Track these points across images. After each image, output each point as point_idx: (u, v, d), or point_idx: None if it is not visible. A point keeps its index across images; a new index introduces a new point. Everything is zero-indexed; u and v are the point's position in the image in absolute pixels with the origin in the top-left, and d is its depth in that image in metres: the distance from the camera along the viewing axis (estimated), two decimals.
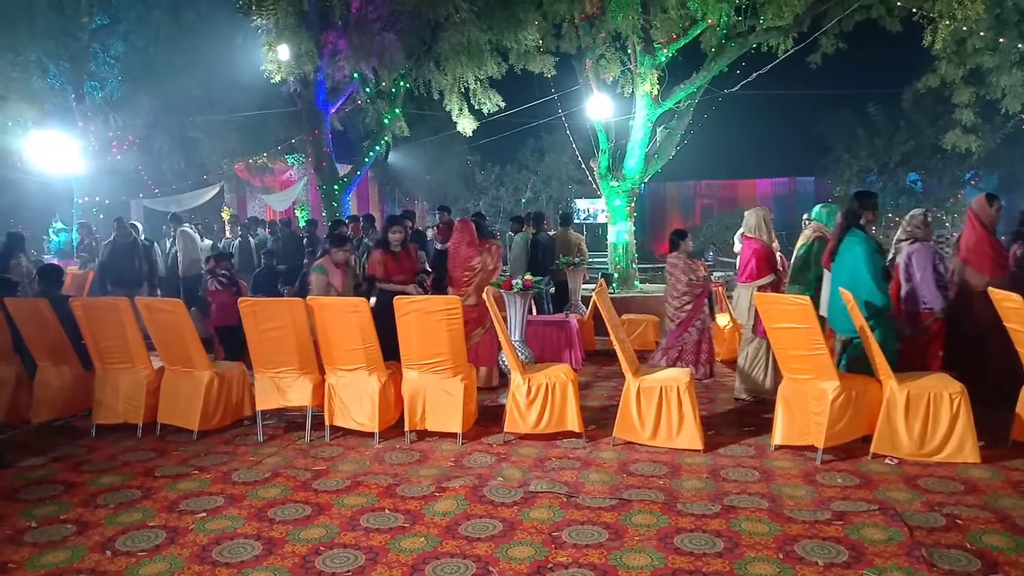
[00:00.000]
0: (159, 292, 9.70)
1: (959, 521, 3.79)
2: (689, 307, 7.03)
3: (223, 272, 7.65)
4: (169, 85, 14.61)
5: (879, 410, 4.79)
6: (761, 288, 6.17)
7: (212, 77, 14.41)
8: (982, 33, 12.34)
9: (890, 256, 6.15)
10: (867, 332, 4.87)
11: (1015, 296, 4.69)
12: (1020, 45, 12.53)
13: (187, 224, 10.74)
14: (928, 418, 4.66)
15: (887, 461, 4.69)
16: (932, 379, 4.87)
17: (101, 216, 15.21)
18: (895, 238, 6.14)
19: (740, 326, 7.01)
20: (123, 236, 9.46)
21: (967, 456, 4.59)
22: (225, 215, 15.79)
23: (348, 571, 3.43)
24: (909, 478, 4.42)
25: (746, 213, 6.65)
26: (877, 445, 4.75)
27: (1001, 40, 12.57)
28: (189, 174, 17.48)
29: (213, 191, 17.32)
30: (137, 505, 4.30)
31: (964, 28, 11.50)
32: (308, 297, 5.53)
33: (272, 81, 12.58)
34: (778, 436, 5.02)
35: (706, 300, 7.23)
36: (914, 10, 11.56)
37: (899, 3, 11.82)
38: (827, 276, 5.66)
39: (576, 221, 19.45)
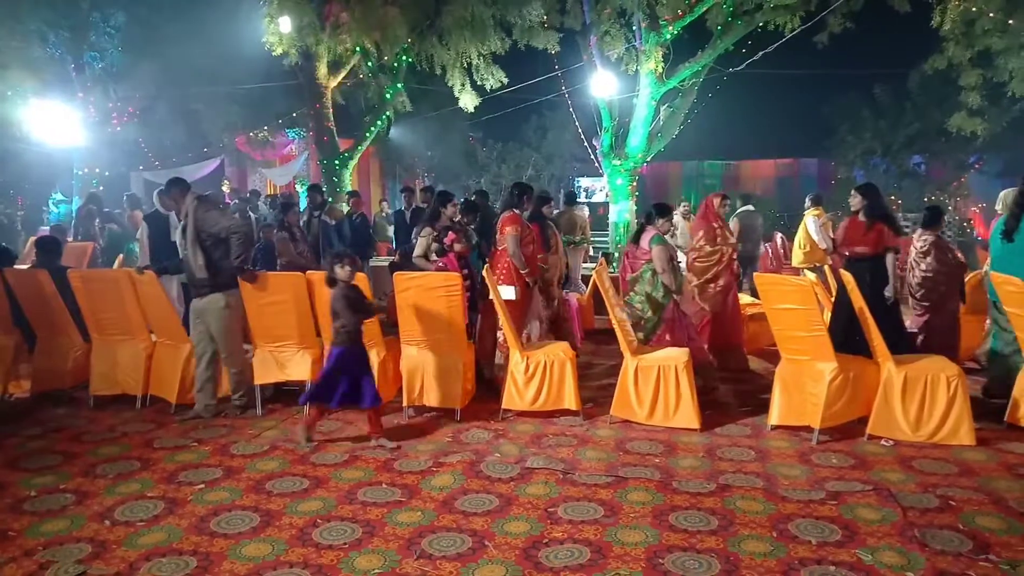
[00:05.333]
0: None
1: (952, 502, 3.81)
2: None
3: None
4: (170, 56, 14.45)
5: (876, 392, 4.80)
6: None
7: (213, 49, 14.25)
8: (991, 14, 12.17)
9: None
10: (866, 313, 4.88)
11: (1016, 280, 4.68)
12: None
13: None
14: (925, 400, 4.68)
15: (883, 442, 4.72)
16: (930, 361, 4.88)
17: (101, 188, 15.14)
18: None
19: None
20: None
21: (962, 438, 4.61)
22: (226, 188, 15.70)
23: (345, 543, 3.46)
24: (904, 459, 4.45)
25: None
26: (873, 426, 4.77)
27: (1010, 22, 12.40)
28: (190, 146, 17.37)
29: (214, 164, 17.24)
30: (136, 476, 4.33)
31: (973, 9, 11.37)
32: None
33: (273, 54, 12.47)
34: (775, 416, 5.04)
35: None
36: None
37: None
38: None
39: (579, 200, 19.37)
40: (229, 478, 4.29)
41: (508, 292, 6.01)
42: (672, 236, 7.12)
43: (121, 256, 8.83)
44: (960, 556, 3.26)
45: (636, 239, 6.20)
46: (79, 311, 5.92)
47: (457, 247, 5.95)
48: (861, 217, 6.07)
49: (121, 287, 5.67)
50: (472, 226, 7.35)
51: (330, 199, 14.37)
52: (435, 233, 6.11)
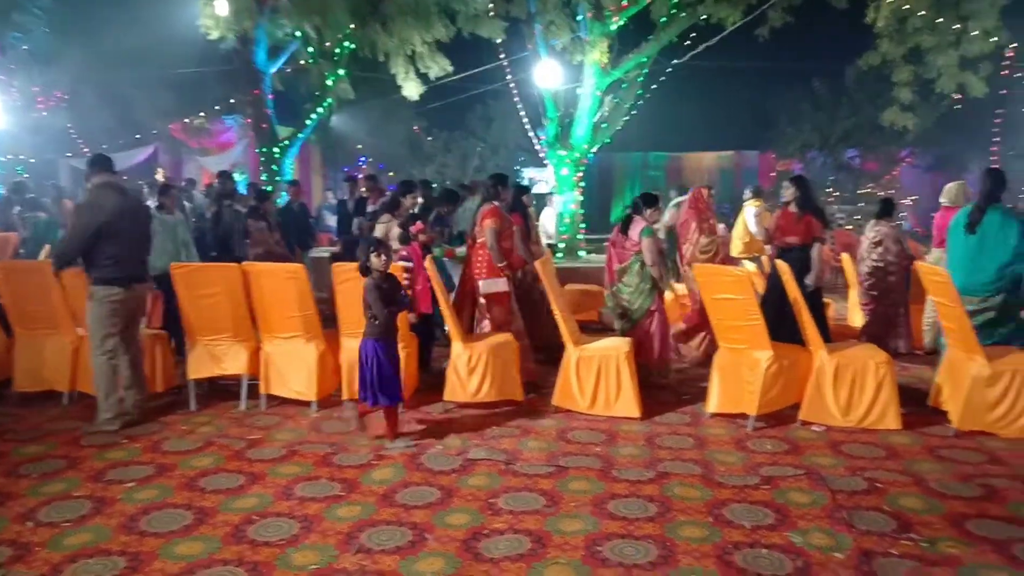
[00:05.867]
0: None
1: (879, 484, 3.95)
2: None
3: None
4: (100, 39, 13.92)
5: (808, 379, 4.94)
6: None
7: (146, 31, 13.77)
8: (921, 13, 12.60)
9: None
10: (800, 303, 5.01)
11: (940, 269, 4.86)
12: (956, 26, 12.84)
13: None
14: (854, 387, 4.84)
15: (814, 428, 4.85)
16: (859, 349, 5.05)
17: (27, 175, 14.51)
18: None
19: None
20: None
21: (889, 423, 4.78)
22: (159, 177, 15.22)
23: (282, 540, 3.39)
24: (834, 444, 4.59)
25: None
26: (805, 412, 4.91)
27: (939, 20, 12.86)
28: (121, 133, 16.76)
29: (147, 151, 16.69)
30: (62, 475, 4.17)
31: (905, 7, 11.74)
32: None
33: (209, 38, 12.09)
34: (713, 404, 5.14)
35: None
36: None
37: None
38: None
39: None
40: (161, 476, 4.16)
41: (500, 284, 5.90)
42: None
43: (48, 246, 8.48)
44: (884, 536, 3.38)
45: (624, 229, 6.08)
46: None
47: (422, 237, 5.85)
48: (793, 208, 6.23)
49: (46, 279, 5.43)
50: (451, 215, 7.29)
51: (270, 188, 14.07)
52: (397, 221, 6.02)
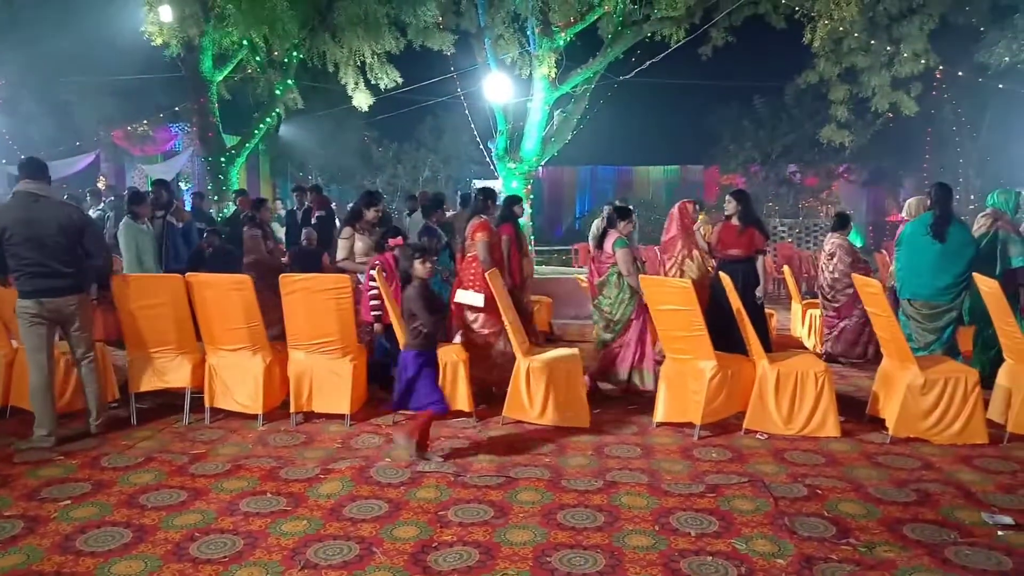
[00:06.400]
0: None
1: (819, 491, 4.06)
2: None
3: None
4: (37, 42, 13.47)
5: (752, 388, 5.06)
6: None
7: (86, 36, 13.38)
8: (856, 34, 13.13)
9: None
10: (743, 313, 5.14)
11: (873, 282, 5.05)
12: (889, 48, 13.41)
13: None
14: (795, 396, 4.97)
15: (758, 436, 4.97)
16: (800, 359, 5.19)
17: None
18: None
19: None
20: None
21: (829, 431, 4.93)
22: (101, 185, 14.77)
23: (225, 557, 3.32)
24: (777, 452, 4.70)
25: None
26: (749, 421, 5.03)
27: (872, 42, 13.41)
28: (61, 140, 16.22)
29: (88, 159, 16.19)
30: None
31: (840, 28, 12.20)
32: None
33: (153, 43, 11.85)
34: (660, 414, 5.22)
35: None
36: (796, 8, 12.17)
37: (783, 0, 12.40)
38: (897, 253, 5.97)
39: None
40: (99, 493, 4.03)
41: (476, 298, 5.82)
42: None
43: None
44: (824, 541, 3.48)
45: (600, 243, 6.07)
46: None
47: (397, 251, 5.79)
48: (735, 221, 6.39)
49: None
50: (439, 224, 7.23)
51: (216, 197, 13.79)
52: (359, 233, 5.95)
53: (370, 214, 6.31)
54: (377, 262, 5.65)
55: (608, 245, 5.96)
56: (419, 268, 4.42)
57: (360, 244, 6.23)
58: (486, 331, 5.84)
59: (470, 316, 5.89)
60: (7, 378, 5.36)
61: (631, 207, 6.36)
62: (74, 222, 4.81)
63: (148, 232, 7.19)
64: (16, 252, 4.63)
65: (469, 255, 6.10)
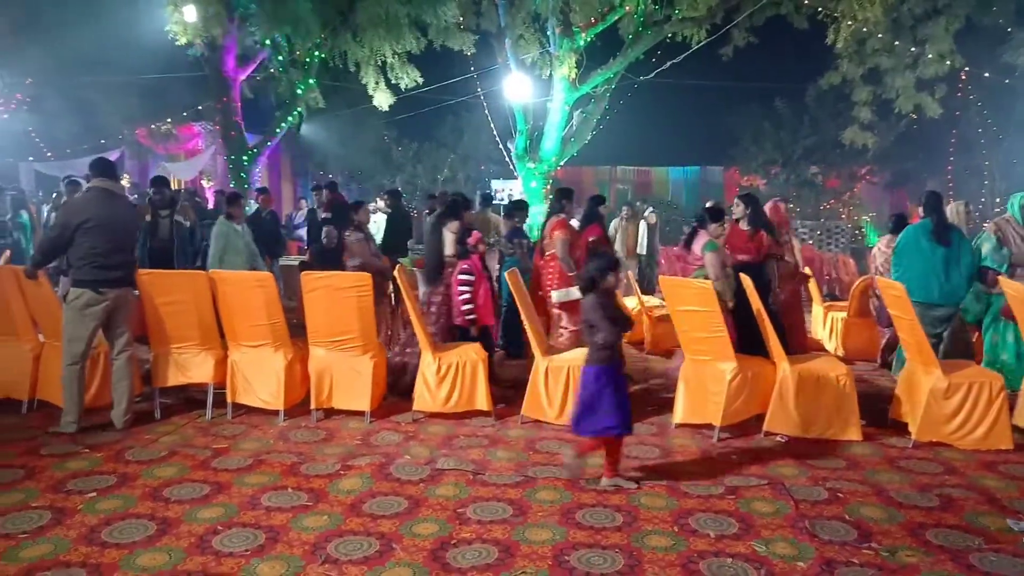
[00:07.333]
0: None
1: (840, 495, 4.03)
2: None
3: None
4: (63, 41, 13.67)
5: (772, 390, 5.03)
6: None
7: (111, 35, 13.56)
8: (880, 35, 13.01)
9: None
10: (763, 315, 5.12)
11: (898, 284, 5.00)
12: (913, 49, 13.27)
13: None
14: (816, 398, 4.93)
15: (778, 438, 4.94)
16: (821, 361, 5.15)
17: None
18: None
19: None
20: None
21: (850, 434, 4.88)
22: (125, 183, 14.97)
23: (247, 550, 3.36)
24: (797, 454, 4.67)
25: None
26: (769, 423, 4.99)
27: (896, 43, 13.28)
28: (85, 138, 16.46)
29: (112, 156, 16.38)
30: (19, 485, 4.07)
31: (864, 29, 12.11)
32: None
33: (177, 43, 11.99)
34: (679, 415, 5.20)
35: None
36: (819, 8, 12.08)
37: (806, 1, 12.32)
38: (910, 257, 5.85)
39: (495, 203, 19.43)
40: (123, 486, 4.09)
41: (573, 293, 5.87)
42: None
43: (8, 252, 8.29)
44: (846, 545, 3.46)
45: (688, 243, 5.98)
46: None
47: (481, 247, 5.79)
48: (744, 226, 6.23)
49: (4, 284, 5.32)
50: (522, 225, 7.28)
51: (242, 195, 13.90)
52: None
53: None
54: (465, 265, 5.63)
55: (697, 247, 5.78)
56: (610, 279, 4.06)
57: (461, 247, 6.09)
58: (572, 328, 5.93)
59: (554, 314, 5.98)
60: (34, 372, 5.45)
61: (723, 208, 6.14)
62: (135, 220, 5.29)
63: (241, 233, 7.36)
64: (86, 242, 4.85)
65: (548, 254, 6.14)
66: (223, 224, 7.32)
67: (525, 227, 7.52)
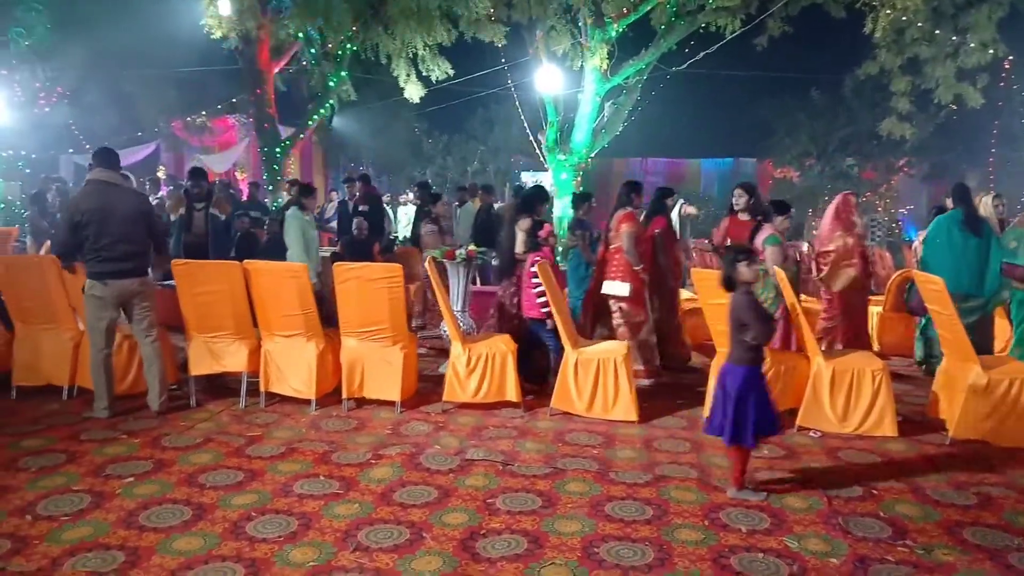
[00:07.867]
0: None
1: (874, 491, 3.97)
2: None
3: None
4: (102, 36, 13.90)
5: (805, 385, 4.96)
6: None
7: (148, 30, 13.77)
8: (919, 24, 12.68)
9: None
10: (797, 309, 5.04)
11: (936, 278, 4.90)
12: (954, 37, 12.93)
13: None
14: (851, 393, 4.86)
15: (811, 434, 4.88)
16: (856, 356, 5.07)
17: (28, 170, 14.52)
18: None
19: None
20: None
21: (885, 430, 4.81)
22: (161, 174, 15.22)
23: (279, 536, 3.41)
24: (831, 450, 4.61)
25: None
26: (802, 418, 4.93)
27: (937, 32, 12.95)
28: (123, 130, 16.74)
29: (149, 148, 16.70)
30: (61, 469, 4.18)
31: (903, 18, 11.81)
32: None
33: (212, 37, 12.14)
34: (710, 409, 5.14)
35: None
36: None
37: None
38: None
39: None
40: (160, 471, 4.17)
41: (622, 288, 5.97)
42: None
43: (48, 242, 8.49)
44: (880, 542, 3.40)
45: (751, 236, 5.77)
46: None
47: (552, 240, 5.78)
48: (744, 216, 6.09)
49: (45, 273, 5.45)
50: (588, 216, 7.32)
51: (271, 187, 14.07)
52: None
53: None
54: (538, 258, 5.57)
55: (759, 240, 5.63)
56: (743, 271, 3.82)
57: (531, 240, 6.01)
58: (633, 321, 6.01)
59: (612, 306, 5.99)
60: (74, 359, 5.57)
61: (788, 200, 6.05)
62: (141, 210, 5.16)
63: (313, 224, 7.22)
64: (89, 237, 4.91)
65: (613, 246, 6.15)
66: (298, 218, 7.05)
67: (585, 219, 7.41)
